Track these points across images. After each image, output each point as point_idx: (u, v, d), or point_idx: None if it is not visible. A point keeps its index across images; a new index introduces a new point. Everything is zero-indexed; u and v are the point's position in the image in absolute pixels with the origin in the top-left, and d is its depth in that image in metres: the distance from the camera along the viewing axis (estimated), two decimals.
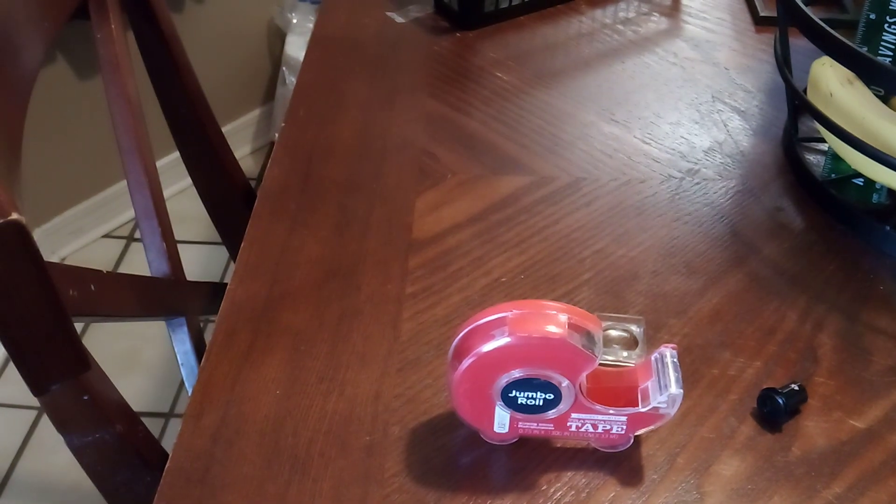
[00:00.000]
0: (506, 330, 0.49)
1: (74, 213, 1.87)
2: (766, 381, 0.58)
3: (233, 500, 0.52)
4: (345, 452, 0.55)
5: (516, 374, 0.50)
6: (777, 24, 0.74)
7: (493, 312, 0.50)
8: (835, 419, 0.56)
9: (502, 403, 0.51)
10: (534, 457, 0.54)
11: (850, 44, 0.62)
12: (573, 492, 0.53)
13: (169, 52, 0.88)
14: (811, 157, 0.77)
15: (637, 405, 0.51)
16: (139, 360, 1.67)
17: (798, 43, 0.70)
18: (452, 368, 0.51)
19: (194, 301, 0.85)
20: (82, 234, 1.91)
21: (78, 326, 0.59)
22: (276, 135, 0.82)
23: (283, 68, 1.97)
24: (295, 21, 1.98)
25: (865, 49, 0.68)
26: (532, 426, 0.53)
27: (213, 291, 0.89)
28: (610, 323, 0.62)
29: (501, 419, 0.52)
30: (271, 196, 0.74)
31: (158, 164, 0.85)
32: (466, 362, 0.50)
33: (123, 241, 1.93)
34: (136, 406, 0.69)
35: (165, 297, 0.81)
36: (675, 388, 0.50)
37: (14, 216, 0.50)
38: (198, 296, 0.87)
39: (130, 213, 1.93)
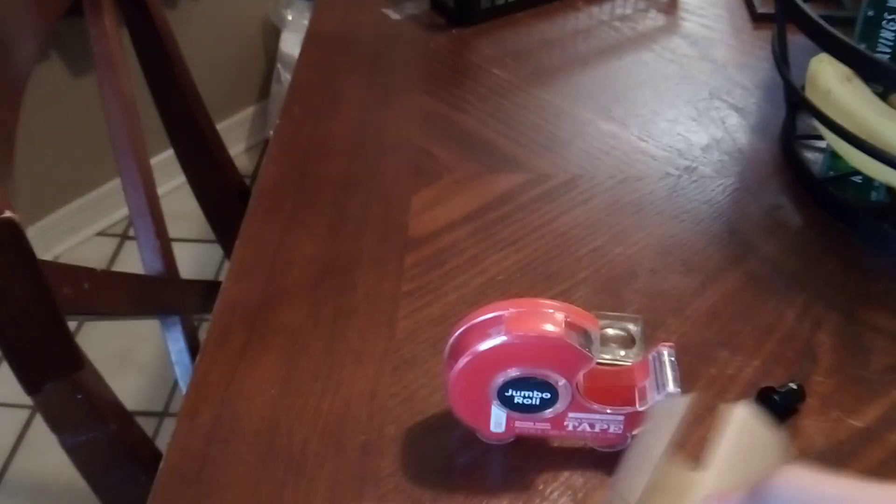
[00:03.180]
0: (502, 328, 0.49)
1: (68, 211, 1.87)
2: (764, 381, 0.58)
3: (228, 501, 0.52)
4: (340, 452, 0.54)
5: (513, 373, 0.49)
6: (775, 20, 0.74)
7: (490, 311, 0.50)
8: (833, 418, 0.56)
9: (499, 402, 0.51)
10: (530, 456, 0.54)
11: (848, 41, 0.61)
12: (570, 491, 0.52)
13: (163, 48, 0.87)
14: (809, 155, 0.77)
15: (634, 404, 0.51)
16: (133, 358, 1.67)
17: (796, 40, 0.69)
18: (448, 367, 0.51)
19: (188, 299, 0.85)
20: (76, 232, 1.90)
21: (71, 325, 0.58)
22: (271, 132, 0.81)
23: (278, 65, 1.96)
24: (290, 18, 1.98)
25: (864, 46, 0.68)
26: (529, 425, 0.52)
27: (208, 290, 0.89)
28: (607, 321, 0.61)
29: (498, 418, 0.52)
30: (266, 194, 0.74)
31: (152, 161, 0.84)
32: (462, 361, 0.49)
33: (117, 239, 1.93)
34: (129, 405, 0.68)
35: (159, 295, 0.81)
36: (672, 388, 0.49)
37: (7, 214, 0.49)
38: (192, 294, 0.87)
39: (124, 211, 1.93)
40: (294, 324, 0.63)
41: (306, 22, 1.27)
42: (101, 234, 1.94)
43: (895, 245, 0.68)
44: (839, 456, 0.54)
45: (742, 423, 0.34)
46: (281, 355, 0.60)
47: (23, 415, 1.58)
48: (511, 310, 0.49)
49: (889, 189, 0.71)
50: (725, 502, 0.32)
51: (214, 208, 1.01)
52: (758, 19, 0.96)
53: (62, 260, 1.85)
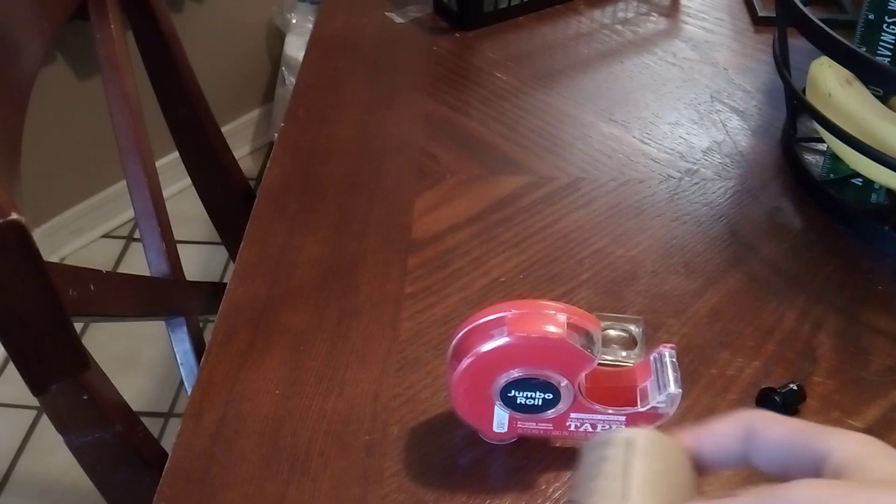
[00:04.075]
0: (505, 330, 0.49)
1: (74, 213, 1.87)
2: (765, 381, 0.58)
3: (232, 500, 0.53)
4: (344, 452, 0.55)
5: (515, 373, 0.50)
6: (776, 24, 0.74)
7: (492, 312, 0.50)
8: (833, 419, 0.57)
9: (501, 403, 0.51)
10: (533, 456, 0.54)
11: (848, 44, 0.62)
12: None
13: (168, 52, 0.88)
14: (810, 158, 0.77)
15: (636, 405, 0.51)
16: (139, 359, 1.68)
17: (797, 43, 0.70)
18: (451, 368, 0.51)
19: (194, 301, 0.85)
20: (82, 234, 1.91)
21: (77, 326, 0.59)
22: (276, 135, 0.82)
23: (283, 68, 1.97)
24: (294, 21, 1.98)
25: (864, 49, 0.68)
26: (531, 426, 0.53)
27: (213, 291, 0.89)
28: (609, 323, 0.62)
29: (500, 419, 0.52)
30: (271, 196, 0.74)
31: (158, 164, 0.85)
32: (465, 362, 0.50)
33: (123, 241, 1.93)
34: (135, 406, 0.69)
35: (165, 296, 0.81)
36: (673, 388, 0.50)
37: (14, 216, 0.50)
38: (197, 296, 0.87)
39: (130, 213, 1.93)
40: (298, 325, 0.63)
41: (310, 25, 1.27)
42: (106, 236, 1.95)
43: (895, 247, 0.68)
44: None
45: (649, 446, 0.34)
46: (285, 356, 0.61)
47: (29, 415, 1.58)
48: (513, 311, 0.50)
49: (889, 191, 0.72)
50: None
51: (219, 210, 1.02)
52: (759, 23, 0.97)
53: (68, 262, 1.86)
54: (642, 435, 0.34)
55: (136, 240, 1.92)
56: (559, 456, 0.54)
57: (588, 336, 0.50)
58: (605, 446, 0.34)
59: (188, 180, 0.99)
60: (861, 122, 0.66)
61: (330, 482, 0.53)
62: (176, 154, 0.96)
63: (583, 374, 0.50)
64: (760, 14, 0.97)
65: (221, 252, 1.86)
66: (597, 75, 0.89)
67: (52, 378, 0.59)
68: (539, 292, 0.65)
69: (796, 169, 0.76)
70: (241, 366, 0.60)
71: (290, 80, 1.93)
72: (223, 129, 0.98)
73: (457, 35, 0.95)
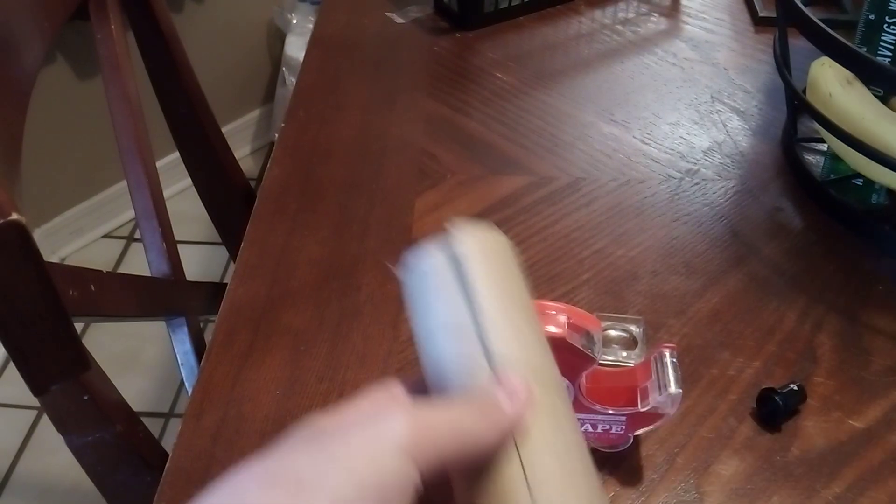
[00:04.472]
0: None
1: (74, 214, 1.87)
2: (766, 381, 0.58)
3: None
4: None
5: None
6: (776, 24, 0.74)
7: None
8: (834, 419, 0.57)
9: None
10: None
11: (849, 44, 0.62)
12: None
13: (169, 52, 0.88)
14: (810, 158, 0.77)
15: (636, 405, 0.51)
16: (139, 360, 1.67)
17: (797, 43, 0.70)
18: None
19: (194, 301, 0.85)
20: (82, 235, 1.91)
21: (78, 326, 0.59)
22: (276, 135, 0.82)
23: (283, 69, 1.97)
24: (295, 21, 1.98)
25: (864, 49, 0.68)
26: None
27: (213, 291, 0.89)
28: (609, 323, 0.62)
29: None
30: (271, 196, 0.74)
31: (158, 164, 0.85)
32: None
33: (123, 242, 1.93)
34: (136, 406, 0.69)
35: (165, 297, 0.81)
36: (674, 388, 0.49)
37: (14, 216, 0.50)
38: (198, 296, 0.87)
39: (130, 214, 1.93)
40: (299, 325, 0.63)
41: (311, 26, 1.27)
42: (107, 236, 1.95)
43: (895, 247, 0.68)
44: (839, 457, 0.54)
45: (481, 246, 0.33)
46: (286, 356, 0.61)
47: (29, 416, 1.58)
48: None
49: (889, 191, 0.72)
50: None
51: (220, 211, 1.02)
52: (759, 23, 0.97)
53: (69, 262, 1.86)
54: (467, 243, 0.32)
55: (136, 240, 1.92)
56: None
57: (589, 336, 0.50)
58: (431, 267, 0.33)
59: (188, 180, 0.99)
60: (861, 123, 0.66)
61: None
62: (176, 154, 0.96)
63: (583, 375, 0.50)
64: (761, 14, 0.97)
65: (221, 252, 1.86)
66: (597, 75, 0.89)
67: (52, 378, 0.59)
68: (539, 292, 0.65)
69: (797, 169, 0.76)
70: (241, 366, 0.60)
71: (291, 80, 1.93)
72: (223, 130, 0.98)
73: (457, 35, 0.95)
